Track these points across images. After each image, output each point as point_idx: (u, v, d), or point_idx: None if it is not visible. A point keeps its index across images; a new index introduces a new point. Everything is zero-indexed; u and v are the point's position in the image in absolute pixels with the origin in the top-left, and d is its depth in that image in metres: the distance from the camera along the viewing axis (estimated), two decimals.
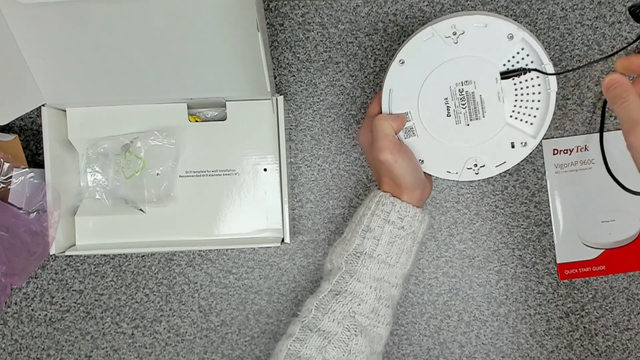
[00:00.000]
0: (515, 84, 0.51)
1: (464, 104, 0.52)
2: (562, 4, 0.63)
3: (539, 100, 0.51)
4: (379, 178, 0.54)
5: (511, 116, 0.52)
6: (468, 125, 0.52)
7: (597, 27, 0.64)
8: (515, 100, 0.51)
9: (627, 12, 0.44)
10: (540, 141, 0.53)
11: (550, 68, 0.50)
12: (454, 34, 0.50)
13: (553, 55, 0.64)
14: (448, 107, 0.52)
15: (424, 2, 0.64)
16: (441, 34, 0.50)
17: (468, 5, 0.64)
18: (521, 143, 0.52)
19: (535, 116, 0.52)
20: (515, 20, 0.52)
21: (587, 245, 0.65)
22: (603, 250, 0.65)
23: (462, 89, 0.51)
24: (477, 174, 0.54)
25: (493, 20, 0.50)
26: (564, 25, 0.64)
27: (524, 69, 0.50)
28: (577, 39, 0.64)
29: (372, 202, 0.53)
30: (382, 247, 0.51)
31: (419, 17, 0.64)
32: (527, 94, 0.51)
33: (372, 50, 0.65)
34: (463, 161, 0.54)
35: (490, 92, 0.51)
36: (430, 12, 0.64)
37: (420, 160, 0.54)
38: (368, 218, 0.52)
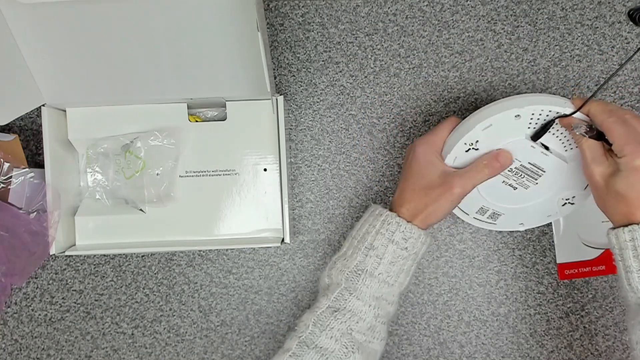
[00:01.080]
0: (553, 133, 0.52)
1: (521, 176, 0.54)
2: (562, 4, 0.63)
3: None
4: (402, 195, 0.53)
5: (567, 150, 0.53)
6: (537, 184, 0.55)
7: (597, 27, 0.64)
8: (561, 141, 0.53)
9: (626, 15, 0.45)
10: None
11: (568, 105, 0.50)
12: (471, 144, 0.53)
13: (553, 55, 0.64)
14: (510, 185, 0.55)
15: (424, 2, 0.64)
16: (462, 151, 0.53)
17: (468, 5, 0.64)
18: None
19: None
20: (512, 96, 0.54)
21: (587, 245, 0.65)
22: (603, 250, 0.65)
23: (511, 168, 0.54)
24: (573, 204, 0.57)
25: (495, 118, 0.51)
26: (564, 25, 0.64)
27: (548, 122, 0.51)
28: (577, 39, 0.64)
29: (377, 220, 0.52)
30: (383, 266, 0.51)
31: (419, 17, 0.64)
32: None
33: (372, 50, 0.65)
34: (555, 204, 0.57)
35: (534, 156, 0.53)
36: (430, 12, 0.64)
37: (520, 224, 0.59)
38: (372, 236, 0.52)
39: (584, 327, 0.66)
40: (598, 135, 0.49)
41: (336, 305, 0.51)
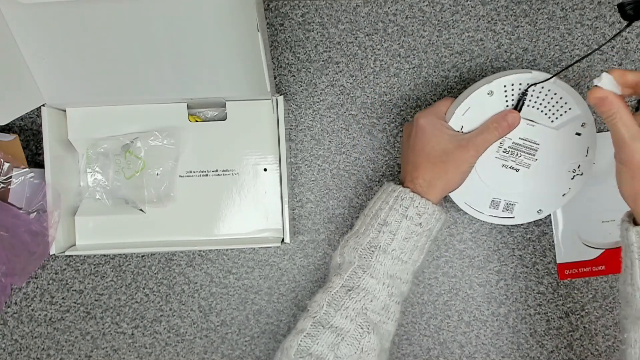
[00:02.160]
0: (532, 106, 0.54)
1: (517, 154, 0.55)
2: (562, 4, 0.63)
3: (555, 94, 0.54)
4: (415, 167, 0.53)
5: (552, 121, 0.54)
6: (536, 159, 0.55)
7: (597, 27, 0.64)
8: (543, 112, 0.54)
9: (616, 7, 0.45)
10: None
11: (537, 75, 0.53)
12: (458, 131, 0.54)
13: (553, 55, 0.64)
14: (510, 167, 0.56)
15: (424, 2, 0.64)
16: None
17: (468, 5, 0.64)
18: (581, 125, 0.55)
19: (565, 102, 0.54)
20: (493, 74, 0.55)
21: (587, 245, 0.65)
22: (603, 250, 0.65)
23: (505, 148, 0.55)
24: (582, 174, 0.56)
25: (470, 99, 0.54)
26: (564, 25, 0.64)
27: (523, 92, 0.53)
28: (577, 39, 0.64)
29: (390, 196, 0.52)
30: (397, 242, 0.50)
31: (419, 17, 0.64)
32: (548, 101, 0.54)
33: (372, 50, 0.65)
34: (564, 179, 0.56)
35: (522, 130, 0.54)
36: (430, 12, 0.64)
37: (538, 211, 0.58)
38: (385, 212, 0.51)
39: (584, 327, 0.66)
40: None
41: (350, 284, 0.50)
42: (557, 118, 0.54)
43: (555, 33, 0.64)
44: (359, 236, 0.52)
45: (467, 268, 0.66)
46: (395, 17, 0.64)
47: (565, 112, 0.54)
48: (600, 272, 0.65)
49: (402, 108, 0.65)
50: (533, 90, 0.53)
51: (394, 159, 0.65)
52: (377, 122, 0.65)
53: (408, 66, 0.65)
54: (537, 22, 0.64)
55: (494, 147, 0.55)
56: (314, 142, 0.66)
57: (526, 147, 0.55)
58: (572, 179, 0.56)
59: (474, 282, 0.66)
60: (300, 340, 0.48)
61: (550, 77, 0.52)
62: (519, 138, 0.54)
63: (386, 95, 0.65)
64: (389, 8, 0.64)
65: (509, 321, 0.66)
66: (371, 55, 0.65)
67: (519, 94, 0.53)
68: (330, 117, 0.65)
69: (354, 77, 0.65)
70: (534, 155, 0.55)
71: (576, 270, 0.65)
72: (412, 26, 0.64)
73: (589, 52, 0.62)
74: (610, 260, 0.65)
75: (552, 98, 0.54)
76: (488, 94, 0.53)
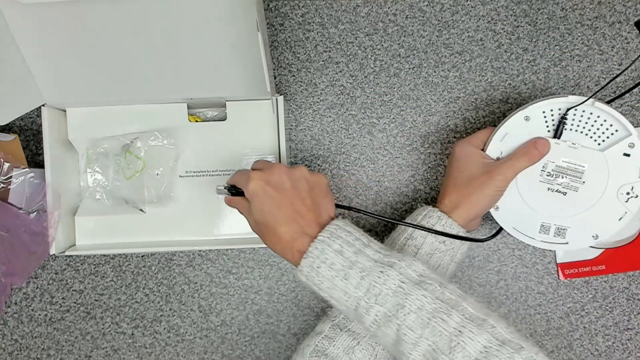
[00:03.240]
0: (572, 124, 0.54)
1: (562, 177, 0.55)
2: (562, 4, 0.63)
3: (598, 116, 0.53)
4: (444, 190, 0.55)
5: (599, 143, 0.54)
6: (584, 182, 0.54)
7: (597, 27, 0.64)
8: (587, 134, 0.54)
9: (635, 26, 0.47)
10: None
11: (573, 98, 0.53)
12: (497, 159, 0.56)
13: (553, 55, 0.64)
14: (557, 190, 0.55)
15: (424, 2, 0.64)
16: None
17: (468, 5, 0.64)
18: (629, 146, 0.53)
19: (610, 123, 0.53)
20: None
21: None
22: (603, 250, 0.65)
23: (548, 172, 0.55)
24: (637, 196, 0.54)
25: (507, 125, 0.55)
26: (564, 25, 0.64)
27: (562, 117, 0.54)
28: (577, 39, 0.64)
29: (419, 215, 0.54)
30: (420, 256, 0.52)
31: (419, 17, 0.64)
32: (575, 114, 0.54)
33: (372, 50, 0.65)
34: (617, 203, 0.55)
35: (565, 153, 0.54)
36: (430, 12, 0.64)
37: (593, 236, 0.56)
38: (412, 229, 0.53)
39: (584, 327, 0.66)
40: None
41: None
42: (603, 141, 0.53)
43: (555, 33, 0.64)
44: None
45: (467, 268, 0.66)
46: (395, 17, 0.64)
47: (612, 133, 0.53)
48: (600, 272, 0.65)
49: (402, 108, 0.65)
50: (574, 115, 0.53)
51: (394, 159, 0.65)
52: (377, 122, 0.65)
53: (408, 66, 0.65)
54: (537, 22, 0.64)
55: (536, 171, 0.54)
56: (314, 142, 0.66)
57: (571, 170, 0.54)
58: (627, 201, 0.54)
59: (474, 282, 0.66)
60: (318, 342, 0.50)
61: (587, 99, 0.52)
62: (562, 161, 0.54)
63: (386, 95, 0.65)
64: (389, 8, 0.64)
65: (509, 321, 0.66)
66: (371, 55, 0.65)
67: (559, 118, 0.54)
68: (330, 117, 0.65)
69: (354, 77, 0.65)
70: (580, 178, 0.54)
71: (576, 270, 0.65)
72: (412, 26, 0.64)
73: (623, 69, 0.63)
74: (610, 260, 0.65)
75: (595, 120, 0.53)
76: (525, 119, 0.54)
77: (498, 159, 0.55)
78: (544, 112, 0.54)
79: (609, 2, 0.63)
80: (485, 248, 0.65)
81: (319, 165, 0.66)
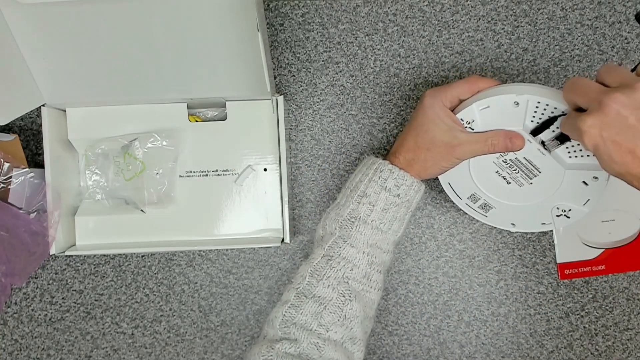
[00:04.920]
0: (554, 131, 0.50)
1: (515, 170, 0.53)
2: (562, 4, 0.63)
3: None
4: (402, 143, 0.53)
5: (570, 157, 0.51)
6: (531, 183, 0.53)
7: (597, 27, 0.64)
8: (566, 146, 0.51)
9: (635, 18, 0.44)
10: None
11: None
12: (468, 122, 0.52)
13: (553, 55, 0.64)
14: (503, 177, 0.54)
15: (424, 2, 0.64)
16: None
17: (468, 5, 0.64)
18: (592, 178, 0.51)
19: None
20: (523, 82, 0.53)
21: (587, 245, 0.65)
22: (603, 250, 0.65)
23: (505, 159, 0.53)
24: (569, 217, 0.54)
25: (493, 100, 0.50)
26: (564, 25, 0.64)
27: (551, 118, 0.49)
28: (577, 39, 0.64)
29: (370, 169, 0.53)
30: (376, 213, 0.51)
31: (419, 17, 0.64)
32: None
33: (372, 50, 0.65)
34: (549, 212, 0.54)
35: (530, 152, 0.52)
36: (430, 12, 0.64)
37: (512, 224, 0.56)
38: (365, 184, 0.52)
39: (584, 327, 0.66)
40: None
41: (330, 254, 0.51)
42: (574, 157, 0.51)
43: (555, 33, 0.64)
44: (340, 208, 0.53)
45: (467, 268, 0.66)
46: (395, 17, 0.64)
47: (588, 156, 0.50)
48: (600, 272, 0.65)
49: (402, 108, 0.65)
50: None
51: None
52: (377, 122, 0.65)
53: (408, 66, 0.65)
54: (537, 22, 0.64)
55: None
56: (314, 142, 0.66)
57: (527, 169, 0.53)
58: (558, 216, 0.54)
59: (474, 282, 0.66)
60: (285, 311, 0.50)
61: None
62: (524, 158, 0.52)
63: (386, 95, 0.65)
64: (389, 8, 0.64)
65: (509, 321, 0.66)
66: (371, 55, 0.65)
67: (548, 117, 0.49)
68: (330, 117, 0.65)
69: (354, 77, 0.65)
70: (531, 179, 0.53)
71: (576, 270, 0.65)
72: (412, 26, 0.64)
73: None
74: (610, 260, 0.65)
75: None
76: (515, 104, 0.50)
77: (469, 124, 0.52)
78: (538, 103, 0.49)
79: (609, 2, 0.63)
80: (485, 248, 0.65)
81: (319, 165, 0.66)
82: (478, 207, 0.57)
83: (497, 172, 0.54)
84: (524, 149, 0.51)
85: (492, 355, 0.66)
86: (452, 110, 0.53)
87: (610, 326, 0.66)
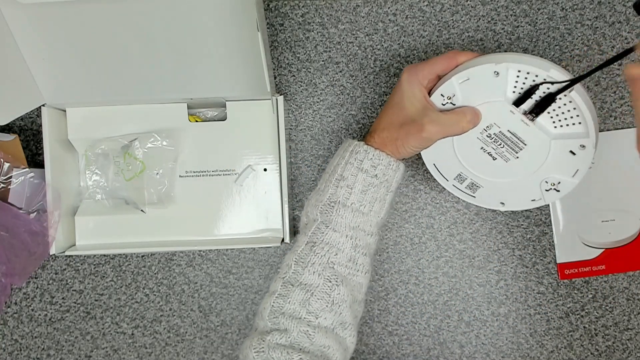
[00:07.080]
0: (536, 101, 0.49)
1: (500, 144, 0.52)
2: (562, 4, 0.63)
3: (570, 102, 0.48)
4: (378, 122, 0.53)
5: (555, 127, 0.50)
6: (517, 157, 0.52)
7: (597, 27, 0.64)
8: (549, 113, 0.49)
9: (633, 7, 0.42)
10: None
11: (555, 73, 0.47)
12: (449, 97, 0.51)
13: (553, 55, 0.64)
14: (489, 153, 0.52)
15: (424, 2, 0.64)
16: (438, 104, 0.51)
17: (468, 5, 0.64)
18: (580, 146, 0.50)
19: (577, 115, 0.49)
20: (501, 52, 0.52)
21: (587, 245, 0.65)
22: (603, 250, 0.65)
23: (489, 134, 0.51)
24: (558, 191, 0.53)
25: (472, 71, 0.49)
26: (564, 25, 0.64)
27: (532, 87, 0.48)
28: (577, 39, 0.64)
29: (346, 151, 0.52)
30: (355, 195, 0.51)
31: (419, 17, 0.64)
32: (555, 102, 0.49)
33: (372, 50, 0.65)
34: (538, 187, 0.53)
35: (514, 124, 0.50)
36: (430, 12, 0.64)
37: (501, 202, 0.55)
38: (342, 167, 0.52)
39: (584, 327, 0.66)
40: None
41: (314, 240, 0.51)
42: (560, 127, 0.50)
43: (555, 33, 0.64)
44: (320, 193, 0.52)
45: (467, 268, 0.66)
46: (395, 17, 0.64)
47: (573, 124, 0.49)
48: (600, 272, 0.65)
49: None
50: (548, 88, 0.48)
51: None
52: None
53: None
54: (537, 22, 0.64)
55: (478, 128, 0.51)
56: (314, 142, 0.66)
57: (512, 142, 0.51)
58: (547, 190, 0.53)
59: (474, 282, 0.66)
60: (273, 302, 0.50)
61: (570, 82, 0.47)
62: (508, 130, 0.51)
63: (386, 95, 0.65)
64: (389, 8, 0.64)
65: (509, 321, 0.66)
66: (371, 55, 0.65)
67: (529, 86, 0.48)
68: (330, 117, 0.65)
69: (354, 77, 0.65)
70: (517, 152, 0.51)
71: (576, 270, 0.65)
72: (412, 26, 0.64)
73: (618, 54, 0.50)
74: (610, 260, 0.65)
75: (565, 105, 0.48)
76: (495, 73, 0.48)
77: (449, 99, 0.51)
78: (519, 72, 0.48)
79: (609, 2, 0.63)
80: (485, 248, 0.65)
81: (319, 165, 0.66)
82: (465, 188, 0.55)
83: (482, 148, 0.52)
84: (509, 121, 0.50)
85: (492, 355, 0.66)
86: (432, 87, 0.52)
87: (610, 326, 0.66)
